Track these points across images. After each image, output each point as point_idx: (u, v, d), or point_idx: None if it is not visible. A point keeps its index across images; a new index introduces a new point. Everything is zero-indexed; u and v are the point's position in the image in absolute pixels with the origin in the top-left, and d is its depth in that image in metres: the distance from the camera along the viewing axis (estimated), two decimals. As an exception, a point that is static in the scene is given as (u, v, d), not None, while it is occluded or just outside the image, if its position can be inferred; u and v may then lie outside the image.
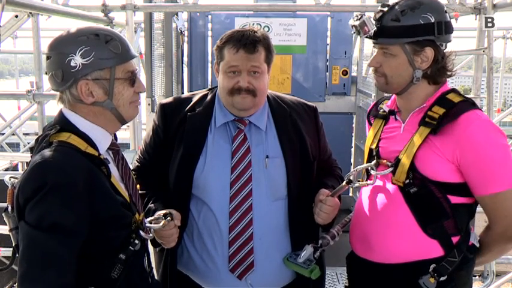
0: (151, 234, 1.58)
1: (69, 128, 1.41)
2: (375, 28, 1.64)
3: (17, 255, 1.39)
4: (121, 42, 1.43)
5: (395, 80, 1.68)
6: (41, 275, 1.24)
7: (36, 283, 1.24)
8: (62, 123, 1.42)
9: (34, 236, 1.26)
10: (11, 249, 1.43)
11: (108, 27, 1.50)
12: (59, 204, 1.27)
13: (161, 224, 1.59)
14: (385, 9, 1.64)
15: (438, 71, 1.67)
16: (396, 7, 1.63)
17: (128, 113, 1.49)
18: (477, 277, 3.88)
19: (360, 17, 1.65)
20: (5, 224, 1.42)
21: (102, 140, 1.46)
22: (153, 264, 1.88)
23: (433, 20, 1.61)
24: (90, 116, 1.44)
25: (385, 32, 1.64)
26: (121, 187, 1.47)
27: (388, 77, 1.68)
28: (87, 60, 1.37)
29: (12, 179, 1.41)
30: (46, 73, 1.43)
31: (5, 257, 3.86)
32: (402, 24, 1.61)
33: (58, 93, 1.46)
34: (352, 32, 1.71)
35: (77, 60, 1.37)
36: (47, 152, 1.32)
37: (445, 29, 1.63)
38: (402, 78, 1.67)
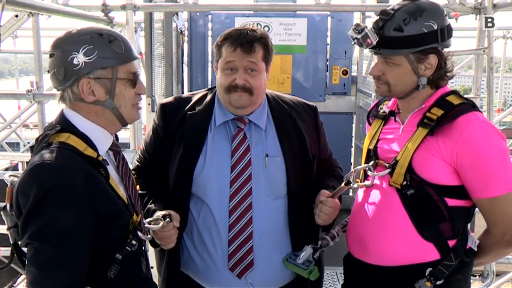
0: (149, 235, 1.58)
1: (69, 128, 1.40)
2: (377, 39, 1.58)
3: (16, 255, 1.40)
4: (124, 42, 1.44)
5: (399, 88, 1.65)
6: (51, 277, 1.26)
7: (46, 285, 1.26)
8: (63, 124, 1.41)
9: (41, 239, 1.26)
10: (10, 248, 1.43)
11: (111, 28, 1.50)
12: (60, 206, 1.27)
13: (160, 225, 1.60)
14: (386, 17, 1.59)
15: (441, 75, 1.65)
16: (397, 14, 1.58)
17: (129, 115, 1.49)
18: (477, 277, 3.88)
19: (361, 29, 1.58)
20: (4, 224, 1.42)
21: (102, 140, 1.45)
22: (153, 264, 1.89)
23: (435, 27, 1.57)
24: (91, 115, 1.43)
25: (388, 42, 1.58)
26: (119, 189, 1.47)
27: (391, 86, 1.65)
28: (90, 58, 1.38)
29: (11, 177, 1.40)
30: (48, 71, 1.43)
31: (5, 256, 3.86)
32: (406, 34, 1.56)
33: (59, 92, 1.46)
34: (353, 43, 1.66)
35: (79, 58, 1.37)
36: (45, 154, 1.31)
37: (447, 34, 1.60)
38: (406, 86, 1.64)
